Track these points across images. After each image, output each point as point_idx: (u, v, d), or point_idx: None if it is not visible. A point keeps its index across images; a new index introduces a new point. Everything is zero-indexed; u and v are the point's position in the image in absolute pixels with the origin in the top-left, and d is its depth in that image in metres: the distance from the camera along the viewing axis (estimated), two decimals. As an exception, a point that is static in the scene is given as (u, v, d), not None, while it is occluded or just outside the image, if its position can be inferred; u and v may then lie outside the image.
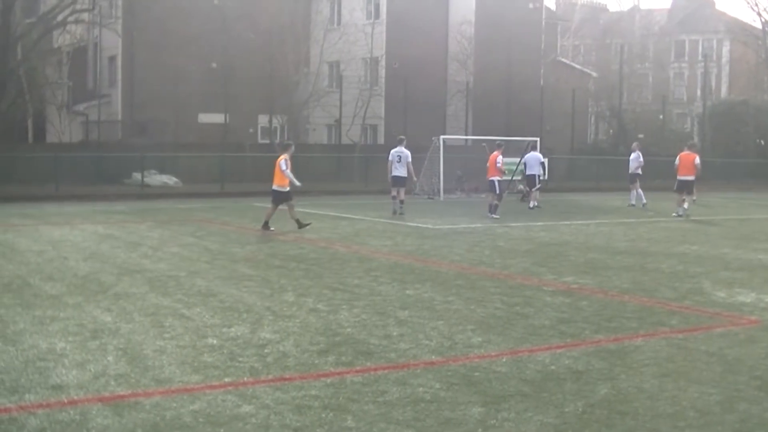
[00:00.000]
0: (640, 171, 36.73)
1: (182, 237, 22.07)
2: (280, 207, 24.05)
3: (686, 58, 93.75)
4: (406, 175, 30.13)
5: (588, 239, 23.26)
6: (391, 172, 30.15)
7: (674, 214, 30.41)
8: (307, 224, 23.76)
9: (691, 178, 30.93)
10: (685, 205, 31.05)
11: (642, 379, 9.21)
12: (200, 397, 8.29)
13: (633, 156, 37.25)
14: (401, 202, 30.05)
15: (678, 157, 31.28)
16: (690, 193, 31.68)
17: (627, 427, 7.68)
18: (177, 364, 9.45)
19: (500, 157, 28.97)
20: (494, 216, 28.24)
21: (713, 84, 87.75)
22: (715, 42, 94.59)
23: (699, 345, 10.81)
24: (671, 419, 7.90)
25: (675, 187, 31.45)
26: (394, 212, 29.45)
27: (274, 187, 23.98)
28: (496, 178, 28.72)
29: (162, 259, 17.93)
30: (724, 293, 14.79)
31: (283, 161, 23.65)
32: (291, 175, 23.63)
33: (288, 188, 23.89)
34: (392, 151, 30.54)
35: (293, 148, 24.95)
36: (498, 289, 14.82)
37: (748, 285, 15.68)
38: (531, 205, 33.99)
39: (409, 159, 30.25)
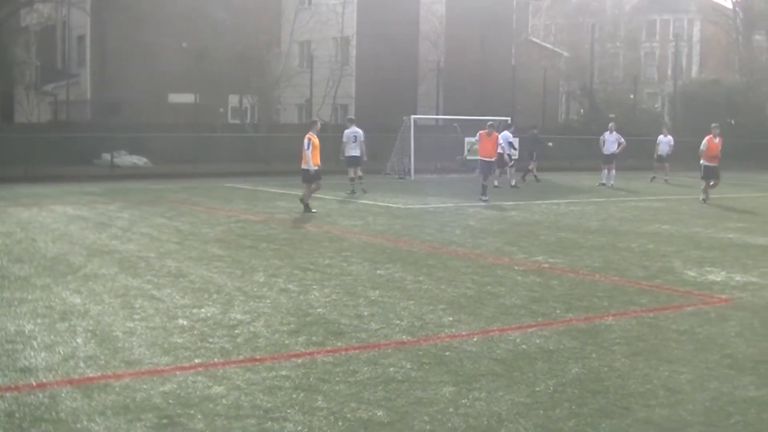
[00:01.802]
0: (617, 151, 36.73)
1: (152, 218, 21.96)
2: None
3: (657, 38, 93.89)
4: (359, 155, 30.26)
5: (559, 219, 23.32)
6: (345, 153, 30.18)
7: (701, 199, 29.22)
8: (313, 211, 23.54)
9: (716, 164, 29.30)
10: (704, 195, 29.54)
11: (613, 357, 9.25)
12: (170, 378, 8.26)
13: (611, 137, 37.10)
14: (360, 178, 30.27)
15: (706, 142, 29.14)
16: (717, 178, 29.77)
17: (598, 406, 7.71)
18: (147, 345, 9.42)
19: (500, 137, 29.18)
20: (483, 197, 27.91)
21: (684, 64, 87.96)
22: (686, 22, 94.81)
23: (670, 324, 10.87)
24: (642, 398, 7.93)
25: (703, 174, 29.47)
26: (353, 192, 29.44)
27: (302, 166, 23.96)
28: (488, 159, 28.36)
29: (132, 240, 17.85)
30: (695, 272, 14.87)
31: (306, 140, 23.59)
32: (309, 156, 23.50)
33: (314, 168, 23.81)
34: (346, 131, 30.53)
35: (318, 125, 24.69)
36: (469, 268, 14.85)
37: (719, 264, 15.77)
38: (512, 183, 34.17)
39: (363, 138, 30.37)
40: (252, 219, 22.13)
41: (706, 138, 29.08)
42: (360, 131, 30.20)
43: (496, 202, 27.47)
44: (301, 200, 23.73)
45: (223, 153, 42.34)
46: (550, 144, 42.88)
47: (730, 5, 78.75)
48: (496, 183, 33.01)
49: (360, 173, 30.19)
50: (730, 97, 62.88)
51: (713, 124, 29.97)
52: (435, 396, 7.88)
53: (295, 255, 16.10)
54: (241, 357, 9.07)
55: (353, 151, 29.93)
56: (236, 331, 10.06)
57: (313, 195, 24.15)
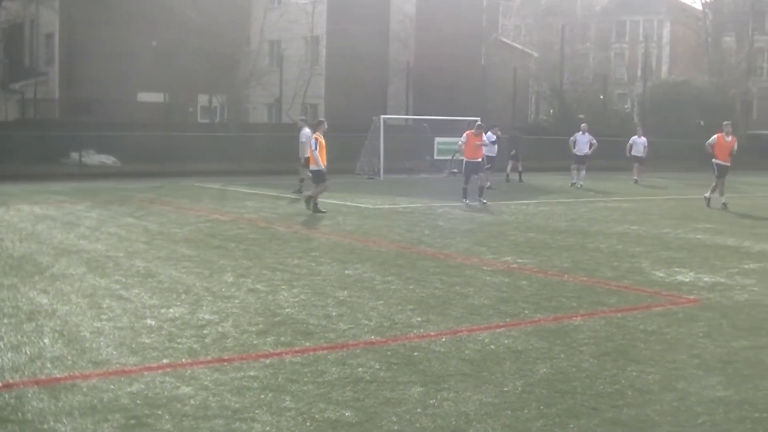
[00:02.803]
0: (589, 152, 36.78)
1: (121, 217, 21.86)
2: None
3: (627, 39, 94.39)
4: None
5: (528, 219, 23.38)
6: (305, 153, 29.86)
7: (722, 204, 27.54)
8: (323, 211, 23.49)
9: (729, 164, 28.42)
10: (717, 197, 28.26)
11: (581, 358, 9.28)
12: (138, 378, 8.23)
13: (584, 137, 37.12)
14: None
15: (716, 138, 28.41)
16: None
17: (566, 406, 7.73)
18: (115, 345, 9.37)
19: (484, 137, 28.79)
20: (465, 200, 27.38)
21: (654, 65, 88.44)
22: (656, 23, 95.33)
23: (638, 324, 10.91)
24: (610, 398, 7.96)
25: (717, 173, 28.14)
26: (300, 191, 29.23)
27: (312, 167, 23.98)
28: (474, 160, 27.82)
29: (100, 240, 17.77)
30: (664, 272, 14.94)
31: (314, 141, 23.57)
32: (317, 156, 23.46)
33: (324, 167, 23.81)
34: (307, 131, 29.93)
35: (325, 125, 24.57)
36: (438, 268, 14.86)
37: (687, 264, 15.85)
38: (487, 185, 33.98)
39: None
40: (221, 219, 22.07)
41: (717, 135, 28.55)
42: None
43: (466, 202, 27.52)
44: (307, 201, 23.63)
45: (193, 152, 42.14)
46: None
47: (699, 7, 79.37)
48: (488, 184, 32.89)
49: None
50: (699, 98, 63.20)
51: (725, 122, 29.38)
52: (403, 396, 7.89)
53: (264, 255, 16.07)
54: (209, 357, 9.05)
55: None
56: (204, 332, 10.03)
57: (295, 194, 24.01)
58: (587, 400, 7.91)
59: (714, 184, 28.04)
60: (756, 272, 15.22)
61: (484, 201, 27.25)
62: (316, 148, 23.39)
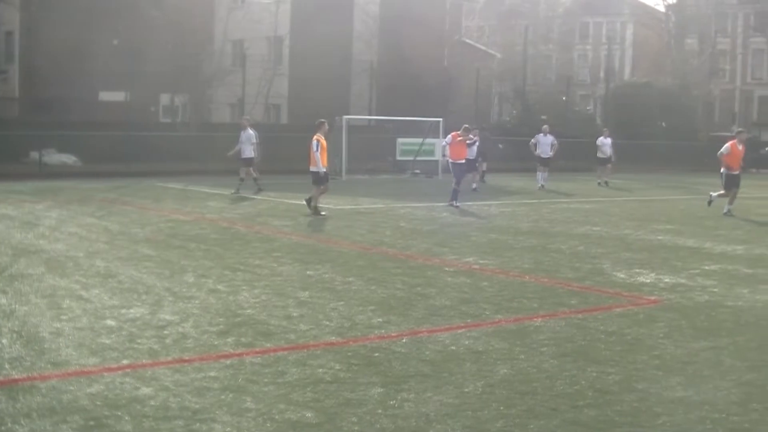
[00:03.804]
0: (551, 153, 36.79)
1: (81, 217, 21.74)
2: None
3: (590, 40, 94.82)
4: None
5: (490, 220, 23.45)
6: (249, 153, 30.15)
7: (725, 211, 26.07)
8: (323, 214, 23.45)
9: (738, 172, 26.84)
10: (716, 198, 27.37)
11: (542, 359, 9.31)
12: (98, 379, 8.18)
13: (546, 138, 37.13)
14: (242, 180, 30.12)
15: (729, 147, 26.44)
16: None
17: (526, 407, 7.75)
18: (74, 346, 9.31)
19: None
20: (454, 203, 27.00)
21: (617, 66, 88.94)
22: (618, 24, 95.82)
23: (598, 325, 10.96)
24: (570, 398, 7.99)
25: (725, 183, 26.73)
26: (238, 191, 29.43)
27: (311, 169, 23.85)
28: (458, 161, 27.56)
29: (60, 240, 17.66)
30: (624, 274, 15.01)
31: (315, 142, 23.49)
32: (318, 158, 23.41)
33: (324, 169, 23.74)
34: (250, 132, 30.02)
35: (326, 126, 24.45)
36: (399, 269, 14.87)
37: (648, 265, 15.94)
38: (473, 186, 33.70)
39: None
40: (182, 219, 21.99)
41: (730, 143, 26.58)
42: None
43: (427, 203, 27.57)
44: (308, 203, 23.50)
45: (155, 152, 41.90)
46: (501, 146, 42.79)
47: (662, 9, 79.80)
48: (474, 185, 32.86)
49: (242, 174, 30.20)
50: (662, 99, 63.53)
51: (739, 129, 28.64)
52: (364, 397, 7.88)
53: (225, 255, 16.03)
54: (169, 358, 9.01)
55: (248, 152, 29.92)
56: (165, 332, 9.99)
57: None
58: (547, 400, 7.94)
59: (722, 191, 26.77)
60: (716, 273, 15.32)
61: (457, 204, 26.98)
62: (317, 150, 23.30)
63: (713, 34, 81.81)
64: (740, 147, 26.47)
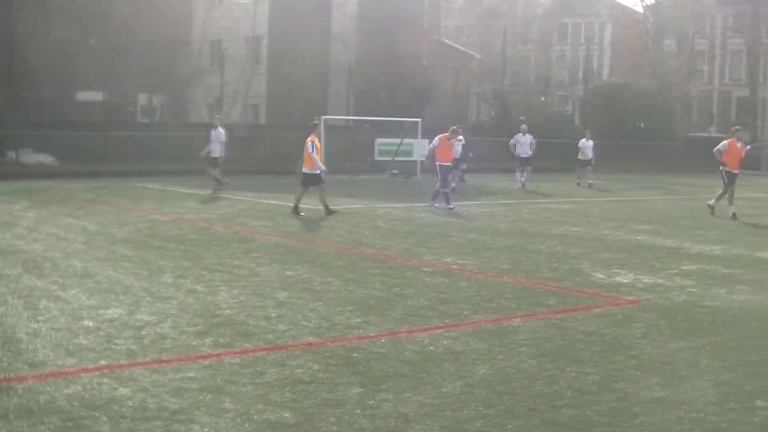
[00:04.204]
0: (530, 153, 36.67)
1: (59, 217, 21.64)
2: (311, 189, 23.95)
3: (569, 41, 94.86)
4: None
5: (469, 220, 23.46)
6: (217, 153, 30.12)
7: (732, 214, 25.58)
8: (335, 211, 23.52)
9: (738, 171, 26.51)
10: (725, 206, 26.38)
11: (520, 359, 9.32)
12: (75, 380, 8.15)
13: (525, 138, 37.01)
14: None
15: (727, 144, 26.26)
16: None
17: (505, 407, 7.76)
18: (51, 347, 9.27)
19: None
20: (448, 206, 26.39)
21: (595, 67, 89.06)
22: (597, 25, 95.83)
23: (577, 325, 10.98)
24: (549, 399, 8.00)
25: (727, 181, 26.13)
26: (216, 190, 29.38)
27: (304, 169, 23.86)
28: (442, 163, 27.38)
29: (37, 240, 17.58)
30: (603, 274, 15.05)
31: (309, 143, 23.44)
32: (316, 158, 23.38)
33: (318, 171, 23.72)
34: (220, 131, 30.24)
35: (321, 127, 24.34)
36: (378, 269, 14.87)
37: (627, 266, 15.98)
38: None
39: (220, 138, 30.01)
40: (161, 219, 21.92)
41: (727, 141, 26.50)
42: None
43: (406, 204, 27.57)
44: (326, 207, 23.69)
45: (133, 152, 41.74)
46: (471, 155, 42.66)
47: (640, 10, 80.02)
48: (453, 185, 32.68)
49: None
50: (640, 100, 63.65)
51: (737, 127, 28.28)
52: (342, 397, 7.87)
53: (204, 256, 15.98)
54: (147, 358, 8.98)
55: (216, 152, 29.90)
56: (143, 333, 9.96)
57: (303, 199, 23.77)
58: (526, 400, 7.95)
59: (721, 191, 26.39)
60: (695, 273, 15.37)
61: (436, 204, 26.81)
62: (312, 151, 23.26)
63: (691, 34, 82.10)
64: (738, 145, 26.35)
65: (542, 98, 65.93)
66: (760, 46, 78.59)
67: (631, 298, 13.01)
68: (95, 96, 47.53)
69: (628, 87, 66.09)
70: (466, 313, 11.58)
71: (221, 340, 9.76)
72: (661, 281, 14.47)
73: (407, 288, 13.27)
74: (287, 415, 7.37)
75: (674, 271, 15.51)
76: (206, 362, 8.87)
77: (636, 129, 62.24)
